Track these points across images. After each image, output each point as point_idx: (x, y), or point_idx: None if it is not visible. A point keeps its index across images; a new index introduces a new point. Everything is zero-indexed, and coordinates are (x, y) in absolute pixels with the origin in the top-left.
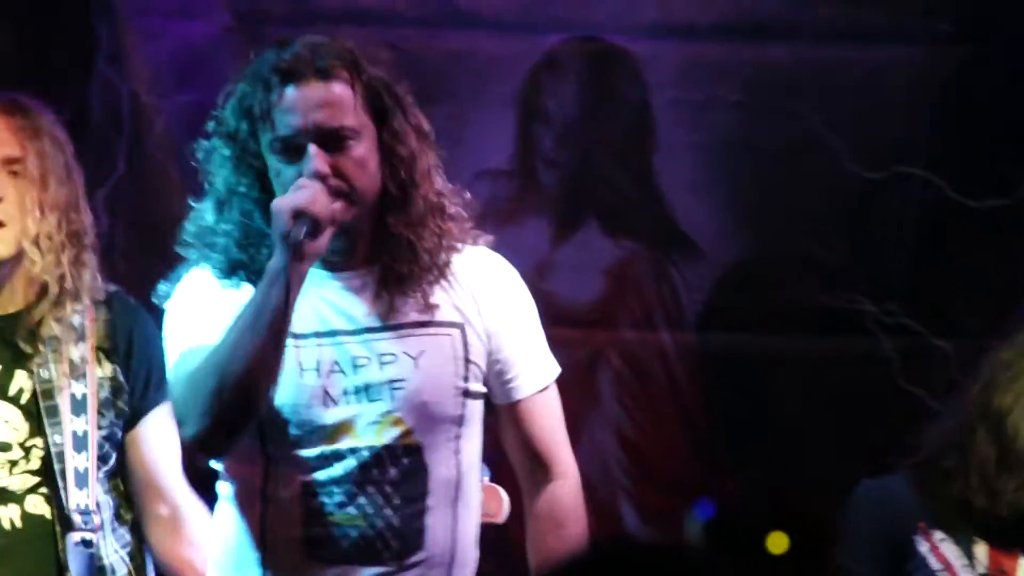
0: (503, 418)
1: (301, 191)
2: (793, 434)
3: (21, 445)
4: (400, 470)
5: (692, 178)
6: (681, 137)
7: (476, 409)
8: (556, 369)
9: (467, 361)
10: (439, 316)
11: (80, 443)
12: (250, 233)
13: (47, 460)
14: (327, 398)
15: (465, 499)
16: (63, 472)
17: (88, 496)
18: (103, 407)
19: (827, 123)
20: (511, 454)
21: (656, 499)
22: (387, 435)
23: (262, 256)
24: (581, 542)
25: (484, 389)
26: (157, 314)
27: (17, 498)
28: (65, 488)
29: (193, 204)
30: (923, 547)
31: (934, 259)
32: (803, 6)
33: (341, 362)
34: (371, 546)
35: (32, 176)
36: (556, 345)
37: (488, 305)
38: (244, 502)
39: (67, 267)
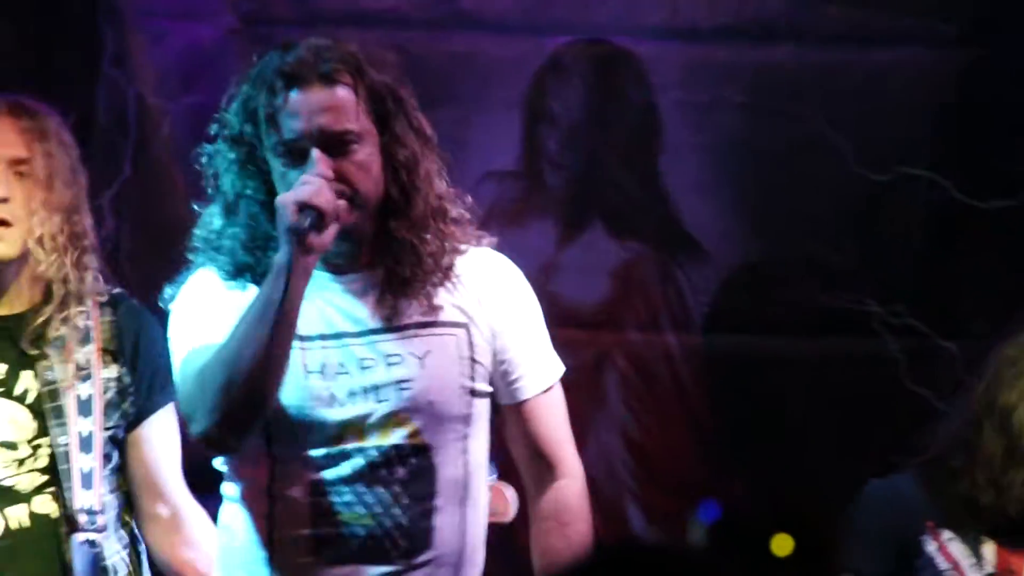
0: (508, 418)
1: (305, 186)
2: (799, 436)
3: (28, 443)
4: (408, 470)
5: (698, 180)
6: (686, 139)
7: (483, 408)
8: (560, 368)
9: (472, 361)
10: (443, 316)
11: (86, 444)
12: (256, 236)
13: (54, 459)
14: (333, 399)
15: (473, 499)
16: (68, 473)
17: (94, 497)
18: (109, 408)
19: (832, 124)
20: (516, 454)
21: (662, 500)
22: (395, 435)
23: (268, 259)
24: (586, 541)
25: (490, 388)
26: (161, 316)
27: (24, 498)
28: (71, 488)
29: (201, 209)
30: (931, 546)
31: (940, 260)
32: (808, 8)
33: (347, 363)
34: (379, 545)
35: (38, 177)
36: (562, 347)
37: (492, 305)
38: (251, 502)
39: (69, 268)
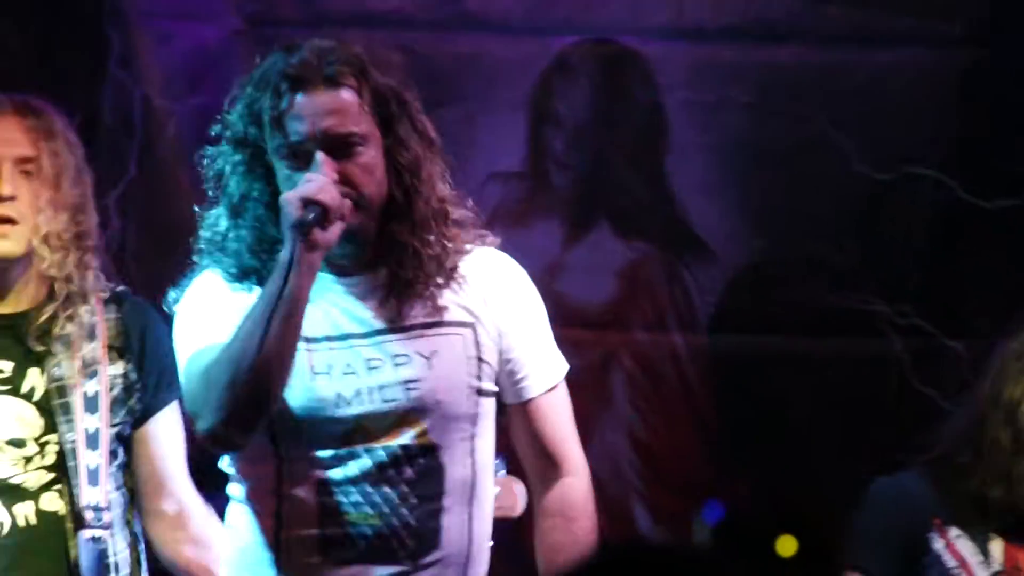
0: (513, 417)
1: (310, 183)
2: (804, 436)
3: (36, 441)
4: (416, 469)
5: (704, 179)
6: (693, 139)
7: (489, 407)
8: (565, 367)
9: (479, 360)
10: (449, 316)
11: (92, 440)
12: (262, 239)
13: (62, 456)
14: (340, 399)
15: (479, 498)
16: (76, 469)
17: (100, 493)
18: (115, 405)
19: (837, 125)
20: (521, 453)
21: (668, 500)
22: (403, 435)
23: (273, 262)
24: (590, 539)
25: (496, 388)
26: (166, 316)
27: (32, 495)
28: (78, 485)
29: (204, 212)
30: (938, 544)
31: (946, 260)
32: (813, 9)
33: (354, 364)
34: (387, 545)
35: (45, 176)
36: (568, 347)
37: (497, 304)
38: (258, 502)
39: (72, 267)
